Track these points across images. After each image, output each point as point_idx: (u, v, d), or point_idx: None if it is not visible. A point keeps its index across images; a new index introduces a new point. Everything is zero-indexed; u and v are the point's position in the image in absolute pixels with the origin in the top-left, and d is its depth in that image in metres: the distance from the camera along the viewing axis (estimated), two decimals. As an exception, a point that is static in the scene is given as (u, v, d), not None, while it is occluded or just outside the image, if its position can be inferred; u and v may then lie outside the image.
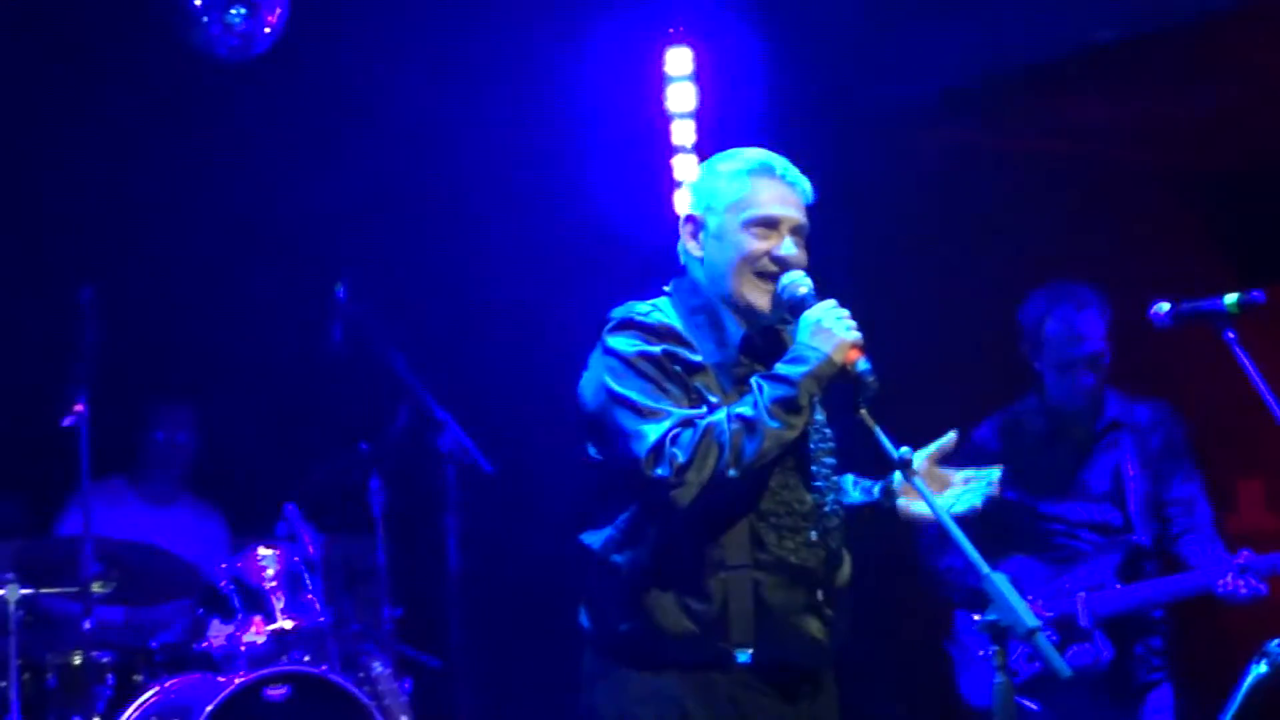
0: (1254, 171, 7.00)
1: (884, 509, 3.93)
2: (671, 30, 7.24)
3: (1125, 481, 5.43)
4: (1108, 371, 5.50)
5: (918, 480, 3.65)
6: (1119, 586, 5.34)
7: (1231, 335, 4.48)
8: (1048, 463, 5.52)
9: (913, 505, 3.86)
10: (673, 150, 7.29)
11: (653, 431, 3.61)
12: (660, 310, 3.82)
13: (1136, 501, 5.41)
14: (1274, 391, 4.34)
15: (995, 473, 3.88)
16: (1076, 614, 5.33)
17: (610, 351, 3.76)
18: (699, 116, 7.25)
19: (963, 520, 3.81)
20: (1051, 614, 5.34)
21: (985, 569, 3.41)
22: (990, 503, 5.22)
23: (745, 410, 3.63)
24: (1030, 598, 5.37)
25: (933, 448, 3.87)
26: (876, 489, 3.95)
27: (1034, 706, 5.28)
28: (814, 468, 3.83)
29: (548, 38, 6.99)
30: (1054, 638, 5.30)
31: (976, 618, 3.44)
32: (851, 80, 6.98)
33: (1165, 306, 4.80)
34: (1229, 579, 5.13)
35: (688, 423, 3.63)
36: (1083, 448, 5.52)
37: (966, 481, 3.89)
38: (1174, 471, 5.45)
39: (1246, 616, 5.14)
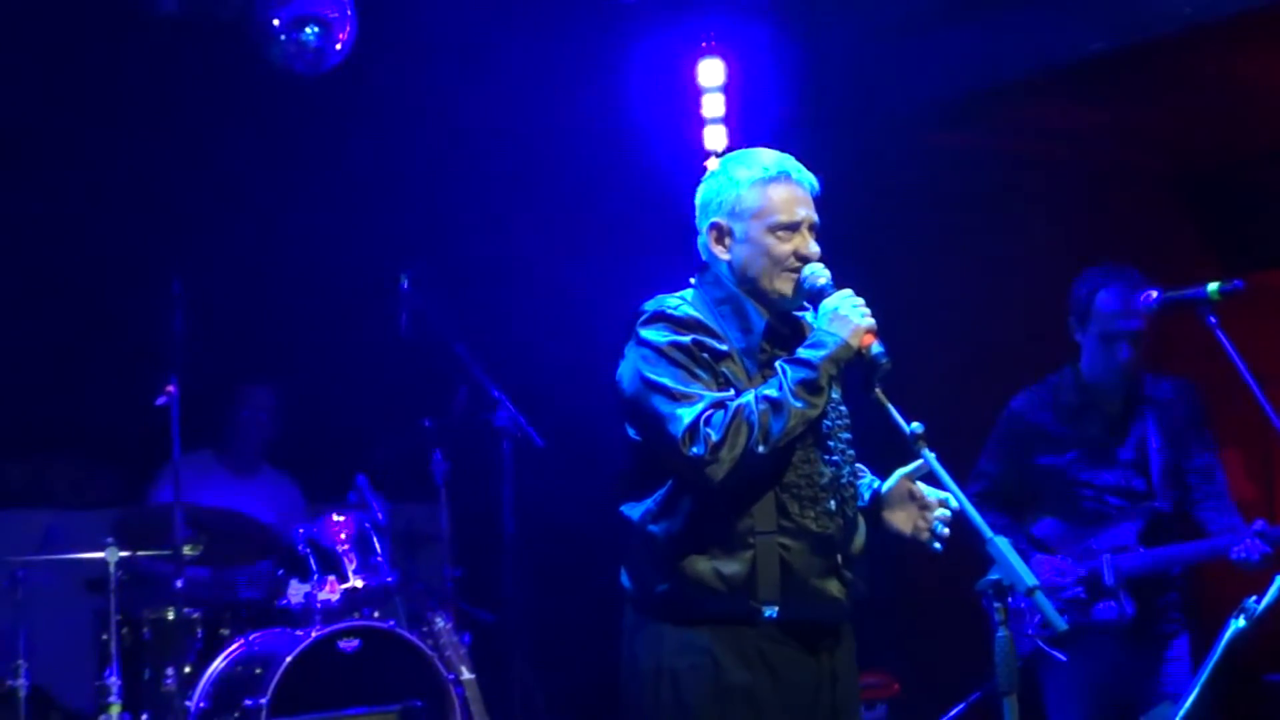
0: (1233, 171, 6.96)
1: (871, 514, 3.91)
2: (705, 44, 7.25)
3: (1150, 452, 5.36)
4: (1145, 352, 5.42)
5: (927, 453, 3.65)
6: (1142, 549, 5.31)
7: (1213, 319, 4.47)
8: (1080, 431, 5.44)
9: (893, 517, 3.84)
10: (706, 154, 7.32)
11: (687, 414, 3.62)
12: (688, 303, 3.82)
13: (1159, 470, 5.35)
14: (1251, 370, 4.34)
15: (946, 514, 3.79)
16: (1102, 573, 5.30)
17: (644, 342, 3.76)
18: (728, 122, 7.27)
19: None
20: (1080, 572, 5.32)
21: (989, 533, 3.42)
22: (1025, 469, 5.18)
23: (771, 392, 3.64)
24: (1061, 556, 5.37)
25: (907, 469, 3.83)
26: (868, 495, 3.94)
27: (1062, 657, 5.26)
28: (831, 443, 3.83)
29: (596, 51, 7.00)
30: (1082, 594, 5.29)
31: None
32: (867, 89, 6.96)
33: (1154, 294, 4.79)
34: (1244, 545, 5.11)
35: (719, 404, 3.63)
36: (1112, 419, 5.43)
37: (925, 509, 3.81)
38: (1193, 441, 5.37)
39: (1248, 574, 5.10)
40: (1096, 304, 5.36)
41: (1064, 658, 5.22)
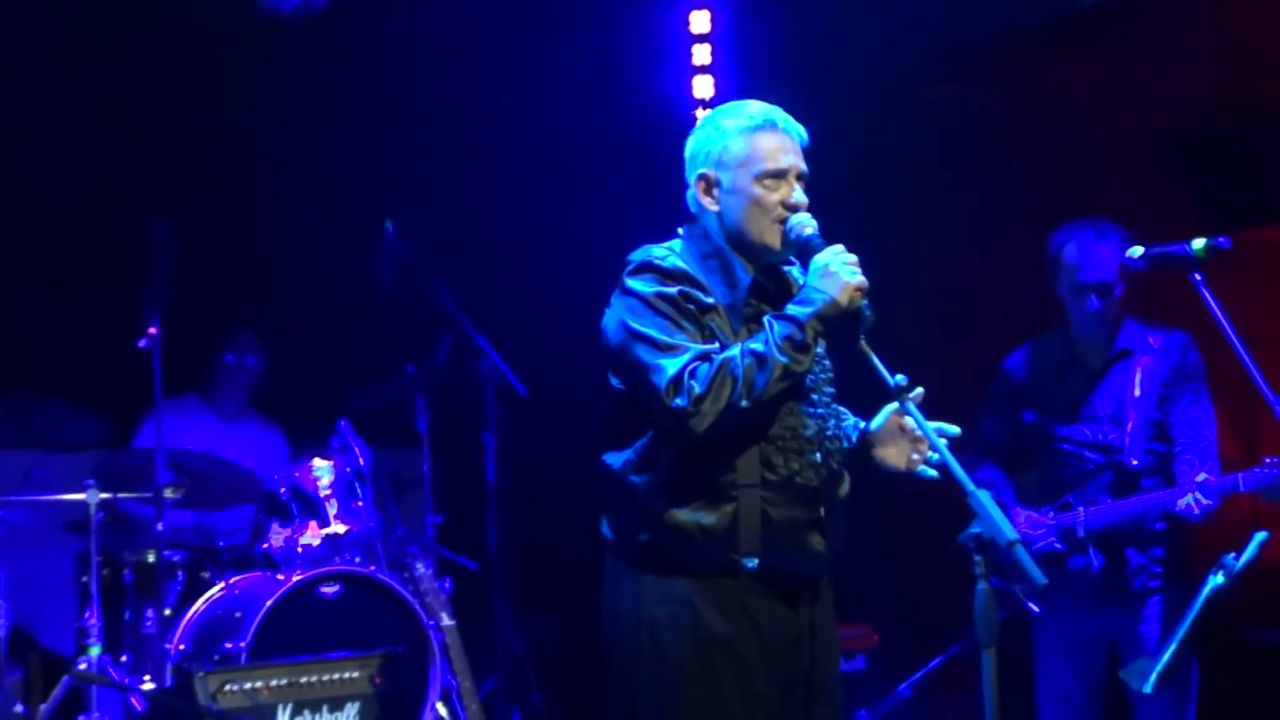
0: (1221, 127, 6.93)
1: (860, 453, 3.90)
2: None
3: (1126, 406, 5.36)
4: (1120, 304, 5.37)
5: (910, 405, 3.62)
6: (1109, 502, 5.30)
7: (1198, 277, 4.45)
8: (1063, 388, 5.40)
9: (885, 453, 3.85)
10: (695, 103, 7.30)
11: (672, 365, 3.60)
12: (675, 254, 3.78)
13: (1134, 425, 5.32)
14: (1236, 328, 4.32)
15: (933, 457, 3.77)
16: (1075, 526, 5.30)
17: (630, 292, 3.74)
18: (717, 72, 7.25)
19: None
20: (1057, 526, 5.30)
21: (971, 486, 3.39)
22: (1015, 426, 5.25)
23: (757, 346, 3.62)
24: (1041, 511, 5.34)
25: (895, 405, 3.80)
26: (855, 435, 3.93)
27: (1036, 610, 5.26)
28: (815, 395, 3.81)
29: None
30: (1060, 547, 5.26)
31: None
32: (857, 44, 6.92)
33: (1139, 250, 4.76)
34: (1186, 498, 5.08)
35: (704, 357, 3.61)
36: (1095, 374, 5.39)
37: (916, 441, 3.81)
38: (1182, 395, 5.30)
39: (1236, 531, 5.06)
40: (1064, 257, 5.35)
41: (1038, 610, 5.22)
